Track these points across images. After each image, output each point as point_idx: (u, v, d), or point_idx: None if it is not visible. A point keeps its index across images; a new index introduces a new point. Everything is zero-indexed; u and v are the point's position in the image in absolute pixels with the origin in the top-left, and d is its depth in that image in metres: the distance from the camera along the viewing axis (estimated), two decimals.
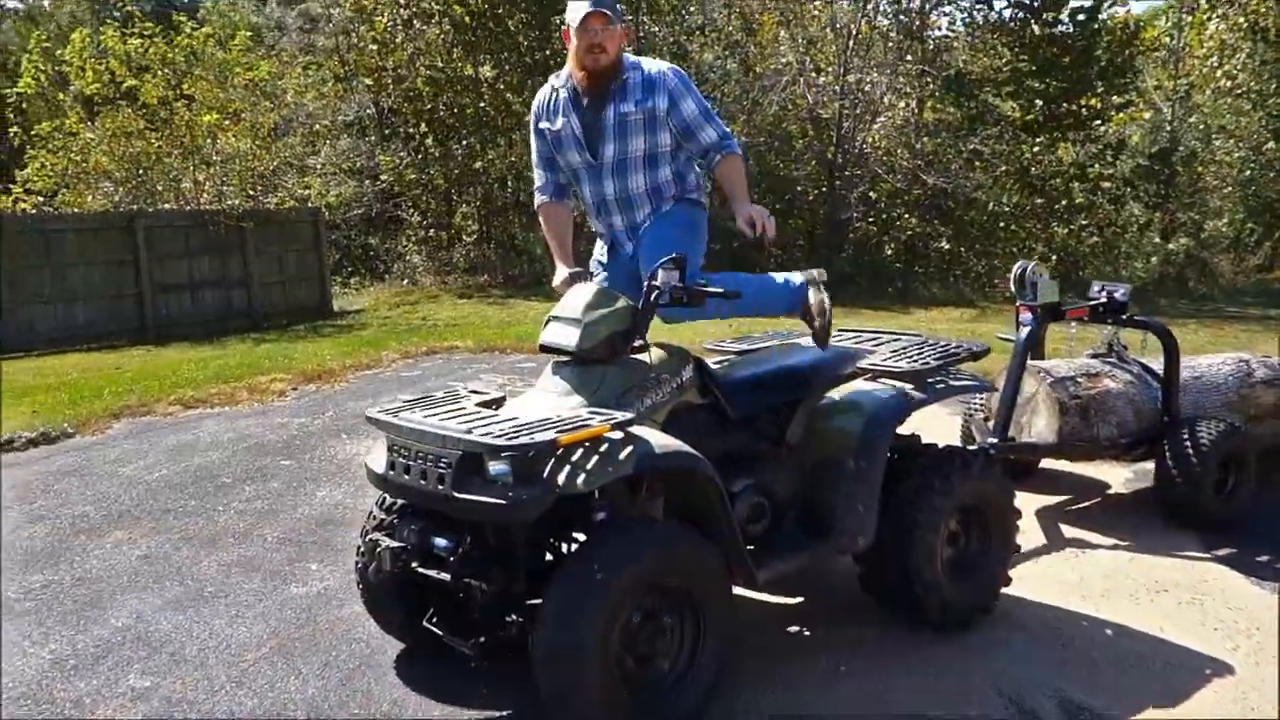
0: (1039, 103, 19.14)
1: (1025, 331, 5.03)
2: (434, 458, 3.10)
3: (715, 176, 3.95)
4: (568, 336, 3.41)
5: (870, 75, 18.33)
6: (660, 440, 3.17)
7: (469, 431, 3.02)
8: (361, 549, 3.46)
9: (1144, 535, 4.93)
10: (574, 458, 3.01)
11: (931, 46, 19.91)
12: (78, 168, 16.52)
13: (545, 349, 3.52)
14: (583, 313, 3.41)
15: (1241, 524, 5.01)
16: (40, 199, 16.70)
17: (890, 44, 19.33)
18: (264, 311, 16.24)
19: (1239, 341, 11.39)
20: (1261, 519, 5.12)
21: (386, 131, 23.27)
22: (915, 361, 3.92)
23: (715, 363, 4.02)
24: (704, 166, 3.96)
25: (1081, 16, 19.17)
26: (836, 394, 3.88)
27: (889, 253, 19.54)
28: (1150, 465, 5.29)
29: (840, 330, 4.58)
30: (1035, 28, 19.34)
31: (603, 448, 3.04)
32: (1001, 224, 19.37)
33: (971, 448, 4.92)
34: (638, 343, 3.55)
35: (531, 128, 4.00)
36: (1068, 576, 4.45)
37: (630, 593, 2.97)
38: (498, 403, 3.63)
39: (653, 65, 3.85)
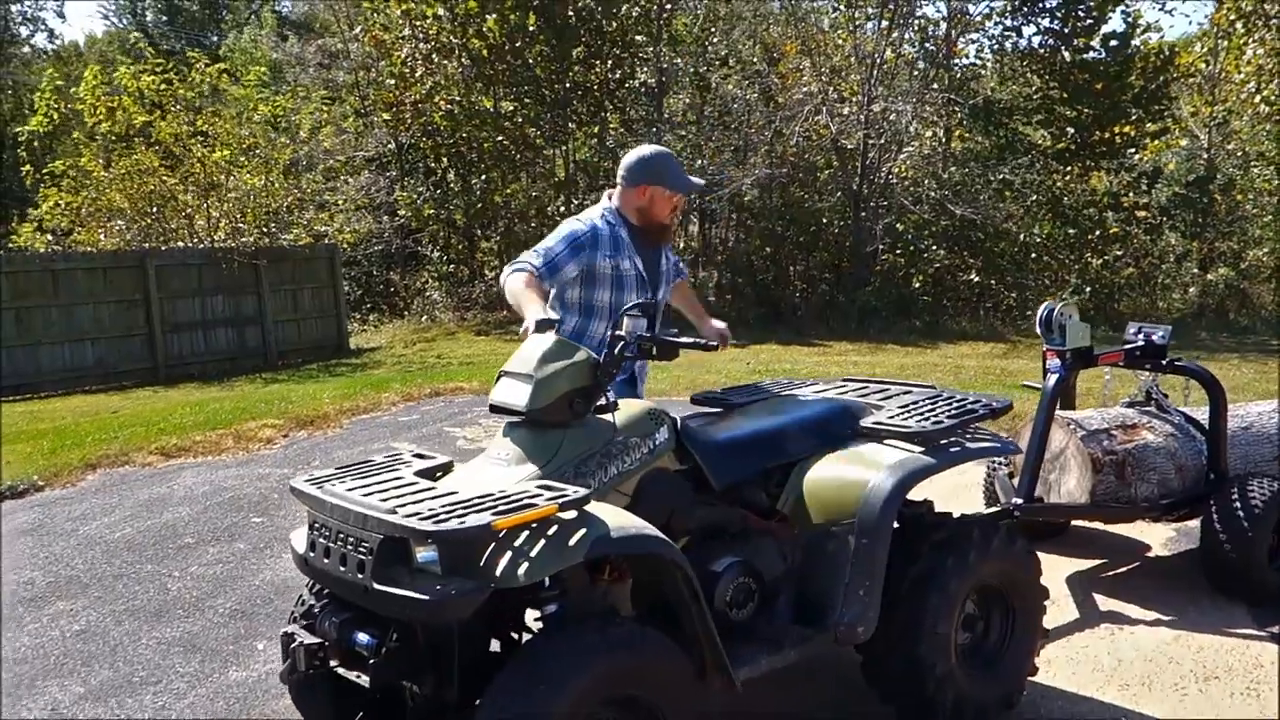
0: (1070, 130, 18.63)
1: (1053, 380, 4.54)
2: (354, 540, 2.66)
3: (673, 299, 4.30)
4: (518, 395, 2.98)
5: (895, 104, 17.85)
6: (620, 520, 2.72)
7: (393, 511, 2.58)
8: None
9: (1189, 608, 4.41)
10: (516, 543, 2.57)
11: (959, 75, 19.44)
12: (92, 205, 16.36)
13: (495, 409, 3.08)
14: (536, 367, 2.97)
15: None
16: (51, 238, 16.54)
17: (916, 72, 18.87)
18: (279, 350, 15.96)
19: None
20: None
21: (406, 166, 23.07)
22: (926, 420, 3.44)
23: (698, 421, 3.56)
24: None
25: (1114, 43, 18.68)
26: (836, 457, 3.40)
27: (916, 285, 19.00)
28: (1195, 524, 4.78)
29: (845, 380, 4.13)
30: (1066, 54, 18.84)
31: (550, 531, 2.60)
32: (1033, 255, 18.81)
33: (992, 512, 4.45)
34: (603, 401, 3.12)
35: (574, 241, 3.80)
36: (1104, 660, 3.94)
37: (577, 712, 2.51)
38: (443, 470, 3.20)
39: None
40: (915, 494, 3.44)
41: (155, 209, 16.59)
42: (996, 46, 19.59)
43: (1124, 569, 4.95)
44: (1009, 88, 19.36)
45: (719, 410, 3.85)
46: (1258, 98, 20.09)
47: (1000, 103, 18.92)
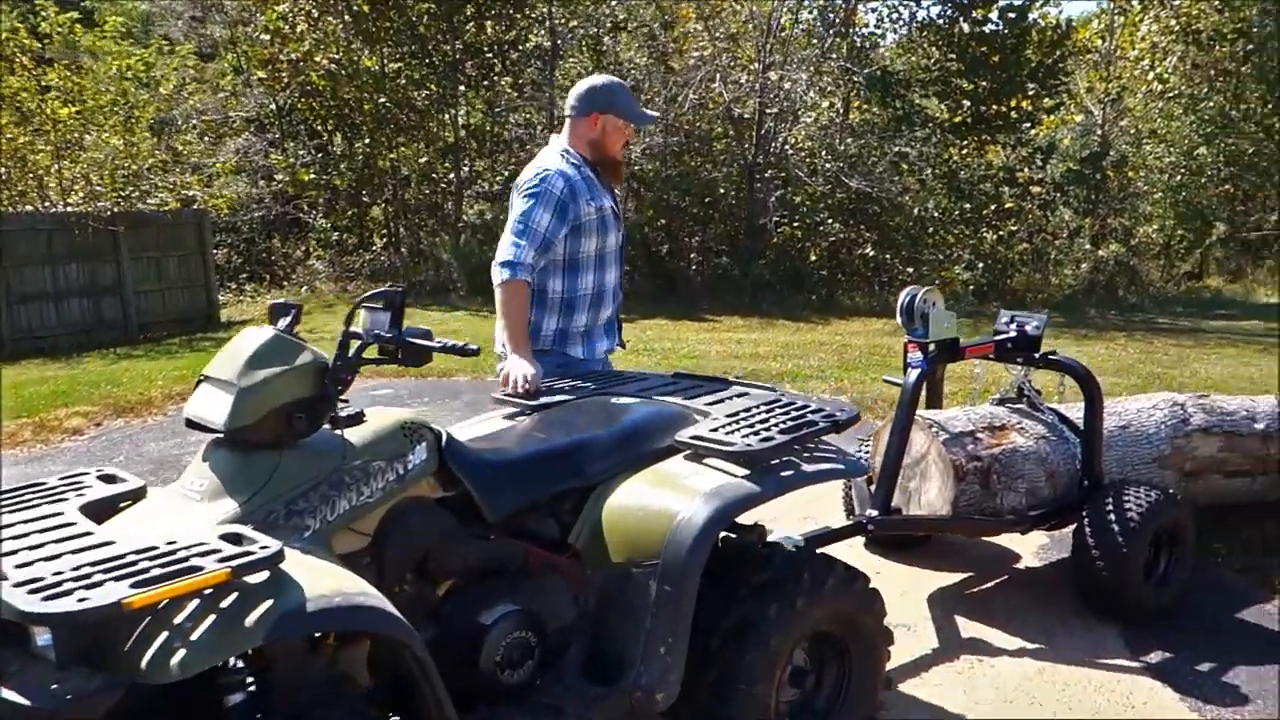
0: (967, 103, 18.37)
1: (914, 375, 4.04)
2: None
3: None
4: (217, 408, 2.34)
5: (792, 73, 17.35)
6: (326, 584, 2.09)
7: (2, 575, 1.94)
8: None
9: (1058, 630, 3.97)
10: (176, 620, 1.94)
11: (858, 44, 19.02)
12: None
13: (191, 425, 2.44)
14: (241, 372, 2.34)
15: (1175, 614, 4.07)
16: None
17: (814, 41, 18.39)
18: (139, 323, 14.93)
19: (1169, 359, 10.62)
20: (1204, 607, 4.19)
21: (287, 129, 21.96)
22: (756, 434, 2.88)
23: (475, 436, 2.97)
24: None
25: (1012, 15, 18.41)
26: (643, 480, 2.83)
27: (813, 259, 18.61)
28: (1071, 531, 4.35)
29: (676, 377, 3.56)
30: (965, 26, 18.54)
31: (225, 603, 1.97)
32: (929, 230, 18.56)
33: (843, 526, 3.94)
34: (348, 412, 2.52)
35: (559, 203, 3.52)
36: (957, 698, 3.46)
37: None
38: (131, 500, 2.53)
39: None
40: (749, 515, 2.91)
41: (2, 169, 15.37)
42: (896, 15, 19.23)
43: (991, 584, 4.49)
44: (907, 59, 19.02)
45: (520, 414, 3.28)
46: (1150, 74, 20.13)
47: (897, 74, 18.56)
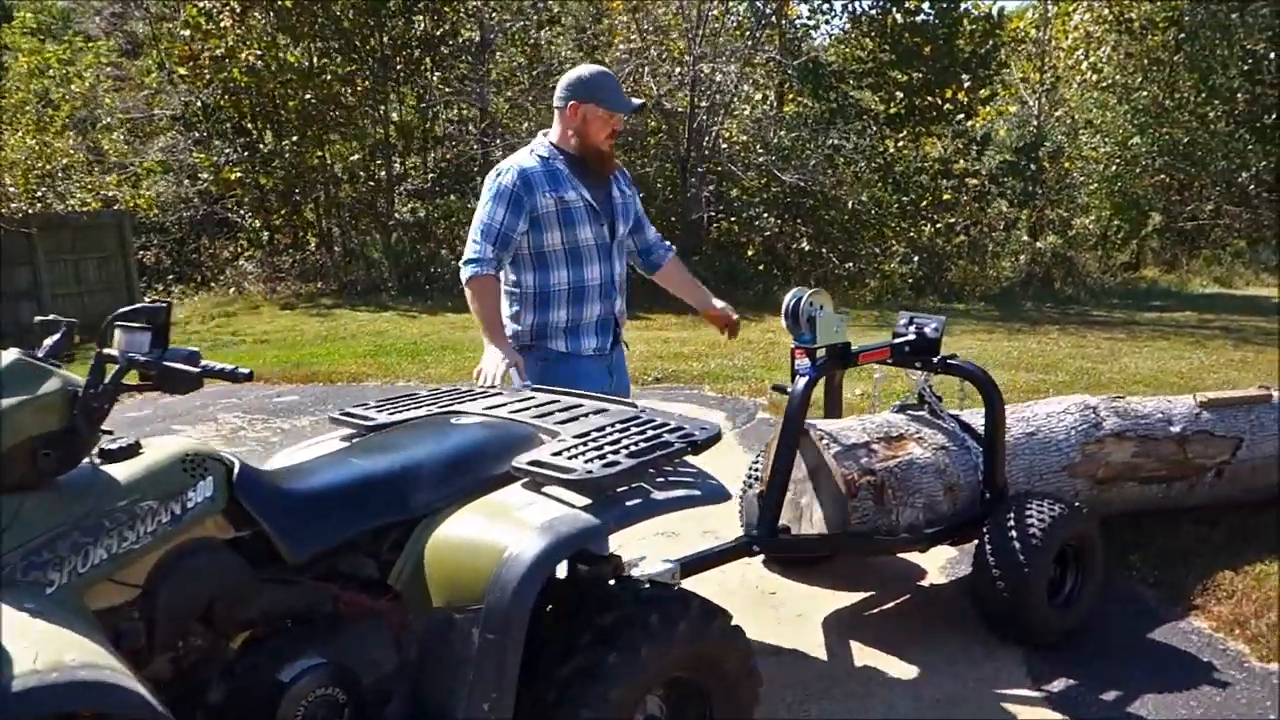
0: (900, 95, 18.21)
1: (801, 384, 3.75)
2: None
3: (661, 275, 3.99)
4: None
5: (722, 65, 17.08)
6: (46, 653, 1.75)
7: None
8: None
9: (960, 658, 3.69)
10: None
11: (790, 35, 18.80)
12: None
13: None
14: None
15: (1083, 635, 3.83)
16: None
17: (744, 32, 18.13)
18: None
19: (1100, 353, 10.47)
20: (1113, 628, 3.95)
21: (214, 127, 21.35)
22: (601, 457, 2.58)
23: (281, 464, 2.64)
24: (643, 264, 3.98)
25: (944, 4, 18.28)
26: (473, 512, 2.51)
27: (750, 254, 18.36)
28: None
29: (534, 390, 3.25)
30: (898, 16, 18.37)
31: None
32: (866, 223, 18.37)
33: (726, 547, 3.65)
34: (119, 444, 2.20)
35: (512, 196, 3.53)
36: None
37: None
38: None
39: None
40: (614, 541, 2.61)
41: None
42: (828, 6, 19.01)
43: (892, 603, 4.22)
44: (840, 49, 18.83)
45: (359, 434, 2.97)
46: (1084, 64, 20.13)
47: (830, 65, 18.37)
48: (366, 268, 18.96)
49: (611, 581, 2.76)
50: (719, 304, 3.94)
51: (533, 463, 2.58)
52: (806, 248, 17.88)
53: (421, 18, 19.01)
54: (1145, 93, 20.33)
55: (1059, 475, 4.29)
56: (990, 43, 18.54)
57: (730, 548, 3.62)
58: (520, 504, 2.51)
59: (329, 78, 18.68)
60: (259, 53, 18.52)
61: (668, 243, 4.02)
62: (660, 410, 2.98)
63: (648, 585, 2.73)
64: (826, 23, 19.10)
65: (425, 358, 9.98)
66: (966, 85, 18.58)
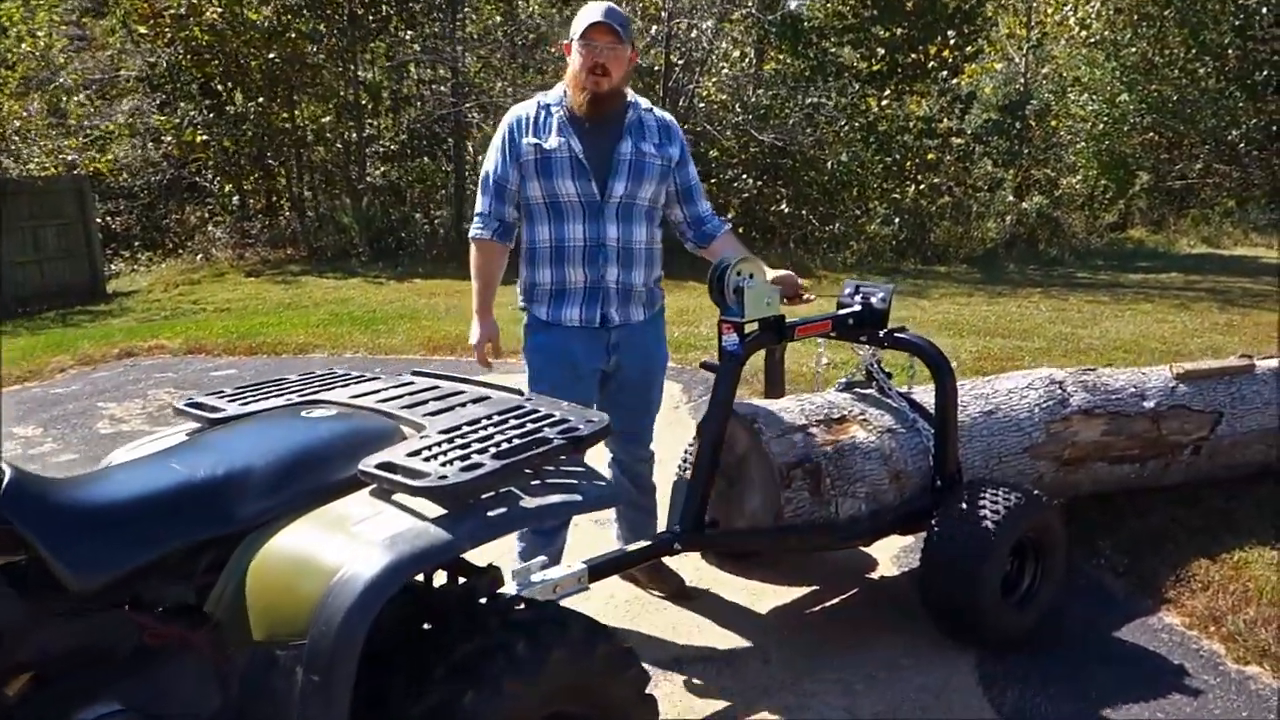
0: (882, 52, 17.71)
1: (729, 362, 3.35)
2: None
3: (714, 248, 3.60)
4: None
5: (698, 21, 16.55)
6: None
7: None
8: None
9: (905, 662, 3.34)
10: None
11: None
12: None
13: None
14: None
15: (1042, 636, 3.47)
16: None
17: None
18: (17, 296, 13.92)
19: (1081, 317, 10.10)
20: (1076, 626, 3.59)
21: (179, 88, 20.75)
22: (465, 457, 2.19)
23: (77, 475, 2.25)
24: (693, 236, 3.65)
25: None
26: (306, 526, 2.13)
27: (730, 216, 17.90)
28: None
29: (414, 375, 2.85)
30: None
31: None
32: (848, 184, 17.90)
33: (642, 546, 3.28)
34: None
35: (502, 143, 3.36)
36: None
37: None
38: None
39: (662, 112, 3.53)
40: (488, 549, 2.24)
41: None
42: None
43: (837, 599, 3.85)
44: (820, 5, 18.29)
45: (203, 428, 2.58)
46: (1072, 20, 19.62)
47: (810, 21, 17.83)
48: (337, 233, 18.48)
49: (484, 599, 2.40)
50: (778, 273, 3.56)
51: (382, 465, 2.18)
52: (786, 210, 17.42)
53: None
54: (1134, 49, 19.83)
55: (1020, 458, 3.93)
56: None
57: (649, 546, 3.24)
58: (361, 515, 2.12)
59: (294, 35, 18.11)
60: (220, 10, 17.94)
61: (724, 219, 3.73)
62: (548, 399, 2.59)
63: (521, 605, 2.35)
64: None
65: (379, 327, 9.56)
66: (951, 42, 18.08)
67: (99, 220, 17.57)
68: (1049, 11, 20.84)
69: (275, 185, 20.99)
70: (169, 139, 19.22)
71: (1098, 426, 4.17)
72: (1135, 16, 19.80)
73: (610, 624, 3.57)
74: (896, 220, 16.93)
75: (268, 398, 2.70)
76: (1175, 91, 20.13)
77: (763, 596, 3.84)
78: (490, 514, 2.16)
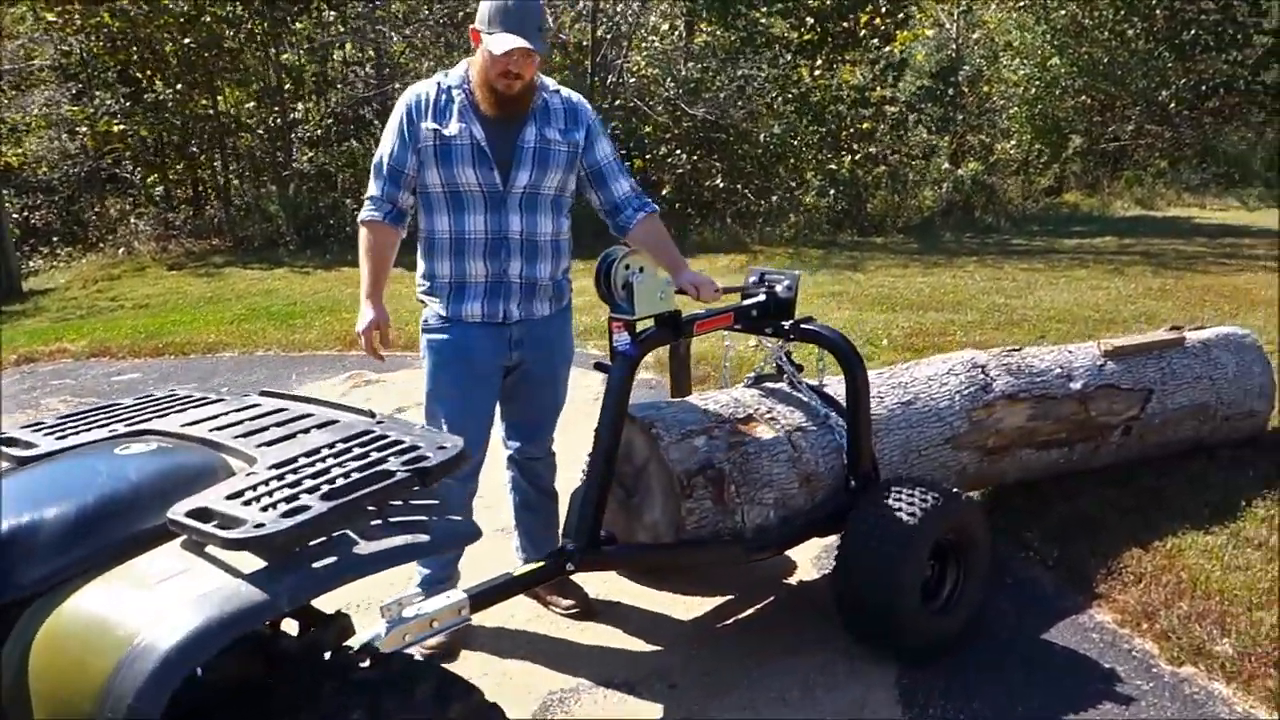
0: (811, 21, 17.46)
1: (620, 363, 3.09)
2: None
3: (632, 236, 3.30)
4: None
5: None
6: None
7: None
8: None
9: (818, 680, 3.11)
10: None
11: None
12: None
13: None
14: None
15: (967, 644, 3.27)
16: None
17: None
18: None
19: (1016, 286, 9.96)
20: (1002, 630, 3.39)
21: (95, 77, 20.04)
22: (290, 499, 1.90)
23: None
24: (611, 226, 3.37)
25: None
26: (101, 588, 1.84)
27: (666, 193, 17.61)
28: None
29: (262, 396, 2.56)
30: None
31: None
32: (787, 155, 17.66)
33: (533, 568, 3.02)
34: None
35: (400, 126, 3.13)
36: None
37: None
38: None
39: (569, 92, 3.30)
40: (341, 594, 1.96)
41: None
42: None
43: (753, 609, 3.61)
44: None
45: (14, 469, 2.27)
46: None
47: None
48: (263, 221, 17.95)
49: (328, 653, 2.13)
50: (691, 277, 3.25)
51: (194, 512, 1.90)
52: (721, 184, 17.17)
53: None
54: (1063, 12, 19.77)
55: (942, 449, 3.71)
56: None
57: (537, 570, 2.98)
58: (167, 573, 1.84)
59: (210, 20, 17.51)
60: None
61: (647, 201, 3.37)
62: (401, 422, 2.31)
63: (366, 662, 2.08)
64: None
65: (295, 322, 9.20)
66: (883, 9, 17.87)
67: (15, 215, 16.96)
68: None
69: (200, 174, 20.43)
70: (83, 130, 18.57)
71: (1023, 411, 3.97)
72: None
73: (508, 647, 3.36)
74: (832, 191, 16.74)
75: (90, 429, 2.39)
76: (1105, 53, 20.13)
77: (674, 609, 3.59)
78: (317, 565, 1.88)
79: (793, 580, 3.81)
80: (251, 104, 19.10)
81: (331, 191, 18.53)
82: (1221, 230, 15.01)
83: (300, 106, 19.32)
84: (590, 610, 3.56)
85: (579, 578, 3.52)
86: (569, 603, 3.56)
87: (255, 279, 14.05)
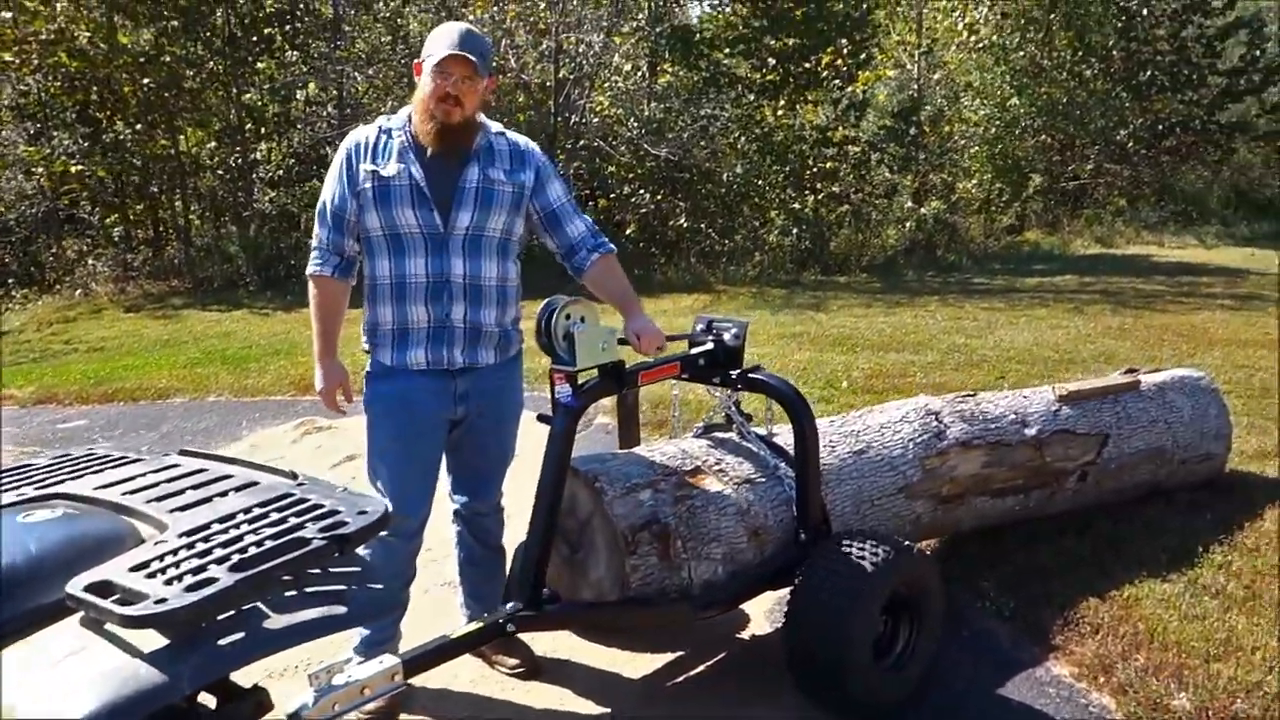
0: (773, 62, 17.60)
1: (562, 415, 3.01)
2: None
3: (587, 278, 3.25)
4: None
5: (586, 36, 16.23)
6: None
7: None
8: None
9: None
10: None
11: (660, 3, 18.03)
12: None
13: None
14: None
15: (920, 702, 3.18)
16: None
17: (607, 1, 17.29)
18: None
19: (976, 326, 9.98)
20: (957, 686, 3.30)
21: (49, 117, 19.85)
22: (197, 571, 1.80)
23: None
24: (569, 269, 3.28)
25: None
26: None
27: (630, 233, 17.60)
28: None
29: (182, 455, 2.46)
30: None
31: None
32: (751, 195, 17.71)
33: (471, 629, 2.91)
34: None
35: (340, 171, 3.07)
36: None
37: None
38: None
39: (517, 136, 3.26)
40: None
41: None
42: None
43: (703, 666, 3.50)
44: (712, 17, 18.14)
45: None
46: (961, 25, 19.75)
47: (701, 33, 17.65)
48: (223, 262, 17.78)
49: None
50: (638, 325, 3.15)
51: (95, 585, 1.79)
52: (685, 224, 17.18)
53: None
54: (1022, 53, 20.04)
55: (895, 499, 3.64)
56: (864, 5, 18.03)
57: (477, 631, 2.87)
58: (64, 652, 1.73)
59: (169, 60, 17.42)
60: (90, 35, 17.18)
61: (603, 241, 3.28)
62: (324, 484, 2.21)
63: None
64: None
65: (250, 365, 9.04)
66: (844, 50, 18.05)
67: None
68: (939, 18, 20.95)
69: (160, 215, 20.24)
70: (39, 170, 18.36)
71: (977, 459, 3.92)
72: (1022, 21, 20.02)
73: (450, 708, 3.24)
74: (796, 230, 16.79)
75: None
76: (1064, 94, 20.40)
77: (623, 666, 3.49)
78: (224, 642, 1.78)
79: (745, 635, 3.71)
80: (212, 144, 19.01)
81: (294, 231, 18.40)
82: (1179, 268, 15.18)
83: (262, 146, 19.24)
84: (536, 669, 3.45)
85: (526, 635, 3.41)
86: (514, 661, 3.45)
87: (213, 321, 13.89)
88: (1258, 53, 23.69)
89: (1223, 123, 23.33)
